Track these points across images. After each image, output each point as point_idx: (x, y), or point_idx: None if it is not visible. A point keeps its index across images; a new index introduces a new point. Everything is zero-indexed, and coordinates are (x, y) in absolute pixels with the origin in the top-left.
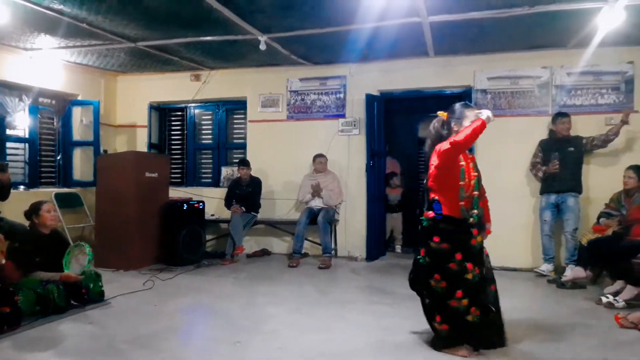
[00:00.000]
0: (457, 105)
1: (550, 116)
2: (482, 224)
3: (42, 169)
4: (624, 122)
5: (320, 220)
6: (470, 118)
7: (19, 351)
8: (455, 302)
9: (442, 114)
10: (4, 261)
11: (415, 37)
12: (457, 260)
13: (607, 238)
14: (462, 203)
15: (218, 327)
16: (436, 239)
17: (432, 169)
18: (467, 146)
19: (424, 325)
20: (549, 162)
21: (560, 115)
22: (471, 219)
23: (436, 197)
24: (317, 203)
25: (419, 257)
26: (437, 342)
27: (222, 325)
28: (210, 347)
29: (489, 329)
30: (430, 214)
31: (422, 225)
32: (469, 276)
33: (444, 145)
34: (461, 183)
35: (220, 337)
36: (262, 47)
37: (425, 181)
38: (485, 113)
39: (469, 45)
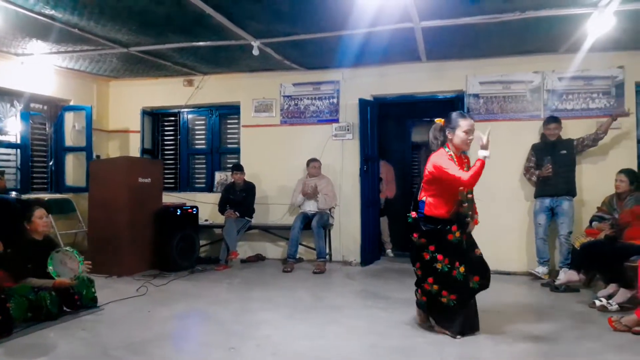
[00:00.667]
0: (454, 115)
1: (542, 120)
2: (464, 220)
3: (34, 175)
4: (614, 118)
5: (314, 225)
6: (463, 128)
7: (11, 358)
8: (428, 286)
9: (439, 121)
10: None
11: (408, 42)
12: (430, 251)
13: (599, 241)
14: (465, 205)
15: (212, 333)
16: (415, 235)
17: (427, 175)
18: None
19: (418, 330)
20: (542, 166)
21: (550, 120)
22: (467, 219)
23: (424, 198)
24: (311, 207)
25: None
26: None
27: (216, 331)
28: (204, 353)
29: (467, 315)
30: (413, 214)
31: (407, 222)
32: (439, 266)
33: (443, 163)
34: (461, 188)
35: (214, 343)
36: (255, 52)
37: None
38: (482, 154)
39: (461, 50)
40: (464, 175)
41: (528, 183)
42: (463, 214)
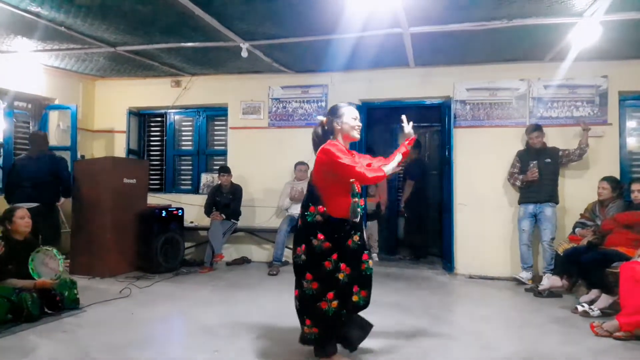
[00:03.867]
0: (337, 105)
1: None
2: (360, 223)
3: None
4: (586, 129)
5: None
6: (351, 114)
7: None
8: (326, 304)
9: (321, 119)
10: None
11: (397, 47)
12: (333, 260)
13: (582, 247)
14: (355, 200)
15: (196, 335)
16: (321, 236)
17: (316, 168)
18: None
19: (404, 333)
20: (527, 171)
21: (533, 129)
22: (357, 218)
23: (319, 197)
24: (298, 211)
25: (294, 256)
26: (315, 348)
27: (200, 334)
28: (187, 357)
29: (353, 327)
30: (321, 208)
31: (306, 221)
32: (341, 276)
33: (334, 154)
34: (352, 180)
35: (198, 346)
36: (244, 54)
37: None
38: (409, 130)
39: (449, 56)
40: (386, 168)
41: (512, 189)
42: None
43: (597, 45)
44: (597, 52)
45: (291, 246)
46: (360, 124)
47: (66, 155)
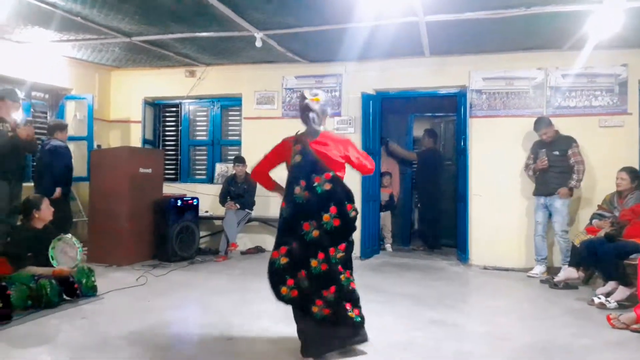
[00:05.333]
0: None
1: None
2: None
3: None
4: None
5: None
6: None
7: (10, 346)
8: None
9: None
10: None
11: (412, 36)
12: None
13: (599, 239)
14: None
15: (211, 323)
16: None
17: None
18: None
19: (418, 323)
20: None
21: (540, 126)
22: None
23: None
24: None
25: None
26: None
27: (215, 322)
28: (203, 344)
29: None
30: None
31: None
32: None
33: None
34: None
35: (213, 334)
36: (258, 44)
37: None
38: None
39: (464, 45)
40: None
41: (528, 180)
42: None
43: (617, 32)
44: (617, 40)
45: None
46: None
47: (83, 145)
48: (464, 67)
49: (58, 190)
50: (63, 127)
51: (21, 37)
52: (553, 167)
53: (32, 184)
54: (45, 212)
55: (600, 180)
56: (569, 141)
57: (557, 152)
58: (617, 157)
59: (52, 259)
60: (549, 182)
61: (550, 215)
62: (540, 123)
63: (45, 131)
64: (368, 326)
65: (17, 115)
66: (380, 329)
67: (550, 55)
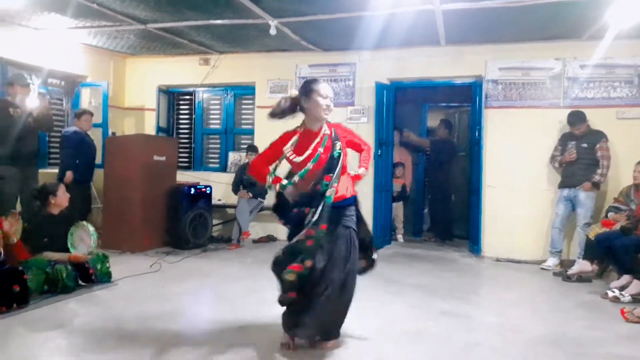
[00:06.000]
0: (307, 81)
1: (561, 109)
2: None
3: (50, 150)
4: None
5: None
6: (315, 93)
7: (27, 329)
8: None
9: (294, 94)
10: (15, 240)
11: (428, 25)
12: None
13: (615, 232)
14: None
15: (223, 311)
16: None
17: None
18: None
19: (428, 314)
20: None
21: (576, 121)
22: None
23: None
24: None
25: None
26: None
27: (228, 309)
28: (215, 331)
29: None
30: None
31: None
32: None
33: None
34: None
35: (225, 321)
36: (273, 31)
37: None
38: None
39: (481, 34)
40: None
41: (545, 172)
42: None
43: (638, 22)
44: (637, 29)
45: None
46: (330, 104)
47: (98, 132)
48: (481, 57)
49: (68, 174)
50: (78, 115)
51: (38, 23)
52: (581, 159)
53: (52, 170)
54: (62, 198)
55: (617, 173)
56: (600, 135)
57: (585, 145)
58: (634, 150)
59: (71, 246)
60: (575, 174)
61: (573, 208)
62: (577, 118)
63: (61, 118)
64: (379, 315)
65: (30, 100)
66: (391, 318)
67: (569, 45)
